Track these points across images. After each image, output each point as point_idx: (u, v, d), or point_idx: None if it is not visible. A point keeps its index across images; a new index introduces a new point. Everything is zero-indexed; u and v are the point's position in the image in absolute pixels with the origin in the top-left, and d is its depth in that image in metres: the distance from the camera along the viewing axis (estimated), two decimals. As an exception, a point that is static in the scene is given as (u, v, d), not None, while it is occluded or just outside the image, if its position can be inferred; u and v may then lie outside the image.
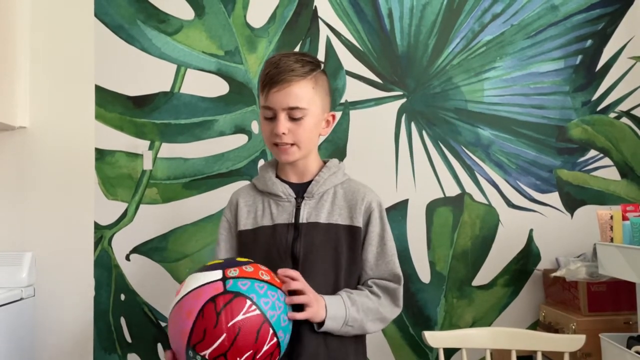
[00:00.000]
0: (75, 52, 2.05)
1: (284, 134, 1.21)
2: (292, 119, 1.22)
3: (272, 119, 1.23)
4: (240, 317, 0.97)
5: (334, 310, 1.16)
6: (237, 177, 2.00)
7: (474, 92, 2.04)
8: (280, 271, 1.11)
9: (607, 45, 2.05)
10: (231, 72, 2.04)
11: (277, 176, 1.32)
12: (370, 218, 1.28)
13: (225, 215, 1.35)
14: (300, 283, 1.11)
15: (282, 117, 1.21)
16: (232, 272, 1.03)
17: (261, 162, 2.01)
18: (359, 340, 1.29)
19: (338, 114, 2.01)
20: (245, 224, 1.29)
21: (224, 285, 1.00)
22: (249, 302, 0.99)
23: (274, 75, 1.20)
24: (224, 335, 0.96)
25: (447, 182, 2.03)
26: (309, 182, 1.29)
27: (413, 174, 2.03)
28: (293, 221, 1.25)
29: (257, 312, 0.99)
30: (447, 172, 2.03)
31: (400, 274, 1.31)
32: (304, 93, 1.22)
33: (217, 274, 1.02)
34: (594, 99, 2.05)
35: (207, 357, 0.97)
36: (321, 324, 1.15)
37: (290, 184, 1.30)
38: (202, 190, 2.02)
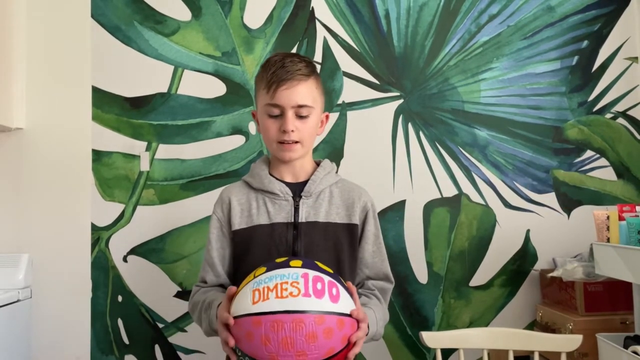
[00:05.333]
0: (72, 53, 2.05)
1: (292, 131, 1.21)
2: (299, 117, 1.23)
3: (278, 116, 1.23)
4: None
5: (370, 327, 1.14)
6: (235, 178, 1.99)
7: (470, 93, 2.05)
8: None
9: (603, 46, 2.06)
10: (228, 73, 2.04)
11: (271, 175, 1.31)
12: (366, 217, 1.29)
13: (216, 214, 1.32)
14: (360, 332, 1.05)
15: (291, 115, 1.22)
16: None
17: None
18: None
19: (332, 115, 2.01)
20: (240, 222, 1.27)
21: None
22: None
23: (282, 74, 1.20)
24: None
25: (444, 182, 2.03)
26: (304, 182, 1.29)
27: (410, 175, 2.03)
28: (292, 220, 1.25)
29: None
30: (444, 172, 2.04)
31: (391, 274, 1.32)
32: (310, 92, 1.24)
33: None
34: (590, 99, 2.06)
35: None
36: None
37: (285, 183, 1.29)
38: (200, 192, 2.02)
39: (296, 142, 1.23)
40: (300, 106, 1.22)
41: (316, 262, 1.06)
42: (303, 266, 1.02)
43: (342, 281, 1.05)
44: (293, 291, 0.97)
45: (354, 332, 1.02)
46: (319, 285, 0.99)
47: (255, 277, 1.02)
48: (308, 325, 0.94)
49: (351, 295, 1.04)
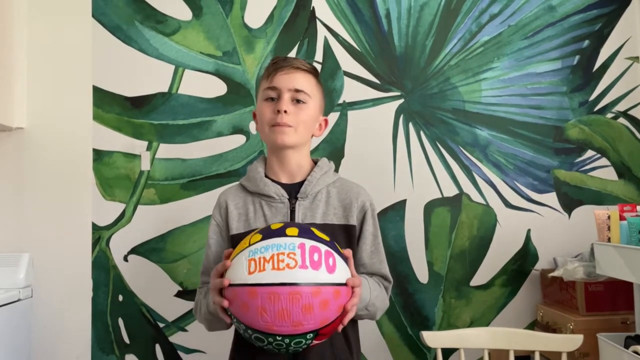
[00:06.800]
0: (73, 53, 2.05)
1: (286, 112, 1.22)
2: (295, 102, 1.24)
3: (275, 100, 1.24)
4: None
5: (363, 293, 1.15)
6: (235, 178, 1.99)
7: (471, 93, 2.05)
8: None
9: (604, 46, 2.06)
10: (229, 73, 2.04)
11: (267, 176, 1.29)
12: (364, 217, 1.28)
13: (214, 218, 1.32)
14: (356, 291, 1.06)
15: (287, 97, 1.23)
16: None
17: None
18: (357, 340, 1.29)
19: (330, 119, 2.01)
20: (237, 227, 1.26)
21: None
22: None
23: (283, 63, 1.25)
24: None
25: (444, 182, 2.03)
26: (300, 183, 1.27)
27: (411, 175, 2.03)
28: None
29: None
30: (445, 172, 2.04)
31: (390, 274, 1.32)
32: (309, 83, 1.26)
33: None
34: (591, 99, 2.05)
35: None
36: None
37: (281, 185, 1.27)
38: (200, 191, 2.02)
39: (290, 126, 1.23)
40: (297, 91, 1.23)
41: (312, 228, 1.05)
42: (299, 234, 1.01)
43: (338, 249, 1.05)
44: (290, 262, 0.97)
45: (349, 299, 1.03)
46: (315, 256, 0.99)
47: (250, 244, 1.01)
48: (304, 297, 0.95)
49: (347, 261, 1.05)
